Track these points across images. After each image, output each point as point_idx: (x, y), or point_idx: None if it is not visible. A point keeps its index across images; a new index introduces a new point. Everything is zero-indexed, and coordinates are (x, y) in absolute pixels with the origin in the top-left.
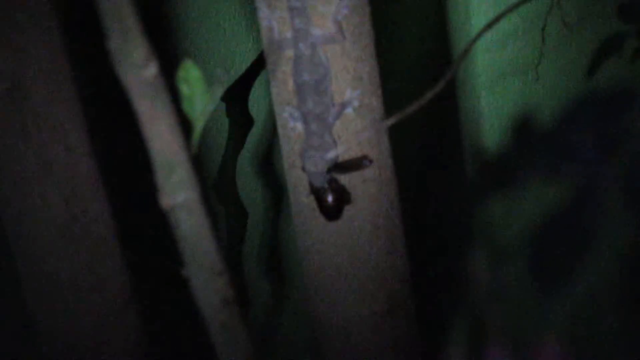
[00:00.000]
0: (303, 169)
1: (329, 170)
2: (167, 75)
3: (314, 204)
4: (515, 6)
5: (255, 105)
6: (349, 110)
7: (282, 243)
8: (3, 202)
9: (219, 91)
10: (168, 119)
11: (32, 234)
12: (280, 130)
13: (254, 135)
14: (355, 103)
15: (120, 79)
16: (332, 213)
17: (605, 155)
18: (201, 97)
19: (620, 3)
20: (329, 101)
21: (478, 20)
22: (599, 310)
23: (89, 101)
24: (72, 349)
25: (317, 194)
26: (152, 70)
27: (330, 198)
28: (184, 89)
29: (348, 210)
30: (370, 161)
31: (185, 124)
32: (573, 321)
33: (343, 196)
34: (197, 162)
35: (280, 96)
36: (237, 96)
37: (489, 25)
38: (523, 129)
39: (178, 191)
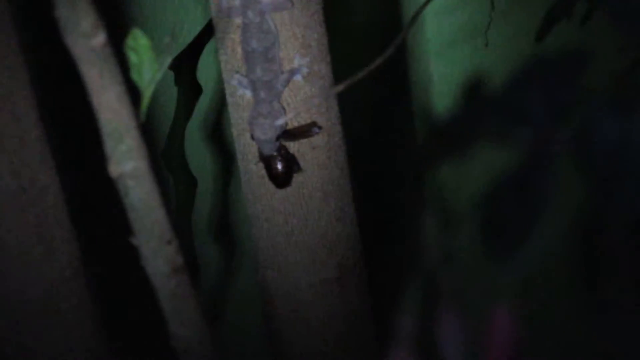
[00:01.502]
0: (252, 136)
1: (278, 138)
2: (115, 43)
3: (263, 172)
4: None
5: (204, 73)
6: (297, 78)
7: (231, 211)
8: None
9: (168, 59)
10: (116, 88)
11: None
12: (229, 98)
13: (203, 104)
14: (304, 70)
15: (68, 47)
16: (281, 181)
17: (556, 120)
18: (149, 65)
19: None
20: (278, 68)
21: None
22: (551, 276)
23: (37, 69)
24: (21, 318)
25: (267, 161)
26: (100, 38)
27: (279, 166)
28: (132, 57)
29: (297, 177)
30: (320, 128)
31: (133, 93)
32: (525, 286)
33: (292, 164)
34: (146, 130)
35: (229, 64)
36: (185, 64)
37: None
38: (473, 94)
39: (126, 160)
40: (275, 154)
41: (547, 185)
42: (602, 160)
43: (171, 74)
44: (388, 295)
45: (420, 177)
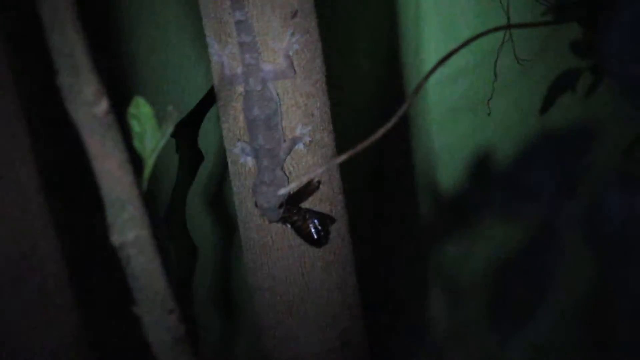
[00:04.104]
0: (256, 204)
1: (281, 206)
2: (118, 111)
3: (264, 240)
4: (467, 42)
5: (205, 140)
6: (300, 146)
7: (232, 279)
8: None
9: (170, 128)
10: (118, 156)
11: None
12: (231, 166)
13: (204, 171)
14: (307, 139)
15: (70, 115)
16: (320, 240)
17: (560, 194)
18: (152, 133)
19: (574, 38)
20: (280, 136)
21: (428, 55)
22: (558, 351)
23: (40, 137)
24: None
25: (297, 228)
26: (102, 106)
27: (312, 229)
28: (135, 125)
29: (299, 247)
30: (319, 182)
31: (135, 160)
32: None
33: (324, 220)
34: (148, 198)
35: (231, 132)
36: (186, 132)
37: (441, 62)
38: (474, 165)
39: (128, 229)
40: (306, 217)
41: (553, 260)
42: (609, 235)
43: (173, 140)
44: None
45: (424, 250)
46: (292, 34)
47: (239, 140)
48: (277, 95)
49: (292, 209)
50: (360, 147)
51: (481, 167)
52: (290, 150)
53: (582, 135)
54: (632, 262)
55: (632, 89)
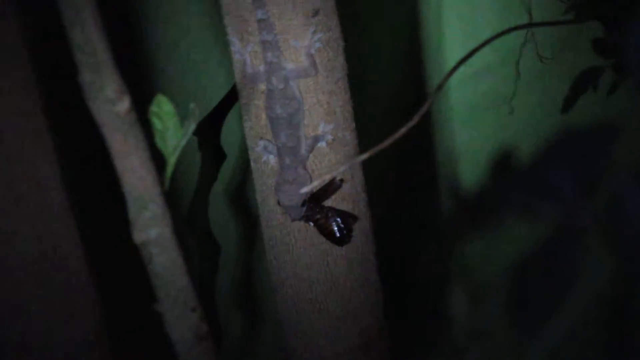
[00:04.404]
0: (278, 202)
1: (304, 204)
2: (140, 109)
3: (287, 238)
4: (489, 40)
5: (228, 138)
6: (322, 144)
7: (255, 277)
8: None
9: (192, 126)
10: (140, 154)
11: (3, 270)
12: (253, 164)
13: (227, 169)
14: (329, 137)
15: (92, 113)
16: (343, 238)
17: (582, 193)
18: (174, 131)
19: (595, 37)
20: (302, 135)
21: (450, 54)
22: (579, 350)
23: (62, 135)
24: None
25: (320, 225)
26: (124, 104)
27: (335, 227)
28: (157, 123)
29: (321, 245)
30: (342, 180)
31: (157, 158)
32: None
33: (347, 218)
34: (169, 195)
35: (253, 130)
36: (209, 130)
37: (463, 60)
38: (497, 163)
39: (151, 226)
40: (329, 216)
41: (575, 258)
42: (630, 235)
43: (195, 138)
44: None
45: (446, 248)
46: (314, 32)
47: (261, 138)
48: (300, 93)
49: (314, 207)
50: (382, 145)
51: (503, 165)
52: (312, 148)
53: (604, 134)
54: None
55: None
